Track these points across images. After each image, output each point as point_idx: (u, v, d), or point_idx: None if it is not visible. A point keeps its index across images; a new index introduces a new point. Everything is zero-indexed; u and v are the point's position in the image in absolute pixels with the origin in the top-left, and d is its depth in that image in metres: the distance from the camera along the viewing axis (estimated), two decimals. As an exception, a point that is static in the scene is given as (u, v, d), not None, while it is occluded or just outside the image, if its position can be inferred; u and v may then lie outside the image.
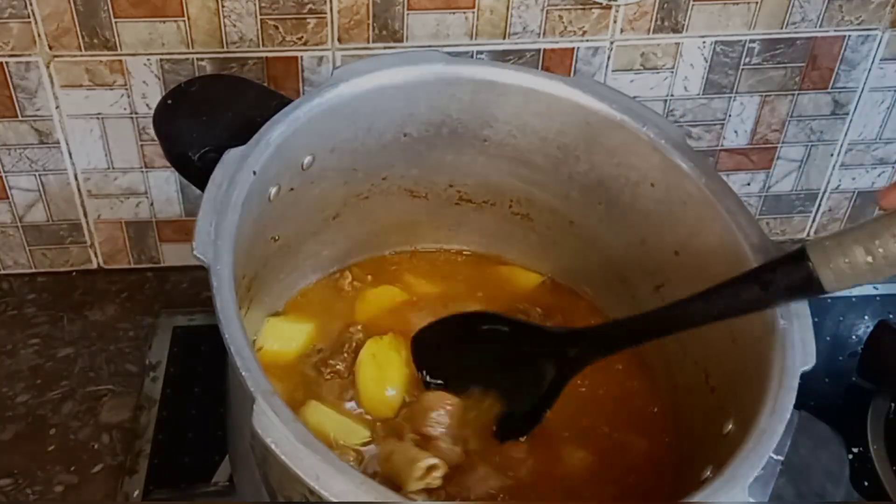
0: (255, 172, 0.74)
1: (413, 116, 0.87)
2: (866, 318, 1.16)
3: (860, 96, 1.12)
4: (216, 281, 0.66)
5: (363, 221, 0.95)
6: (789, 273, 0.67)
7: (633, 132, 0.85)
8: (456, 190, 0.97)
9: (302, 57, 1.02)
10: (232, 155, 0.74)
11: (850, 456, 0.99)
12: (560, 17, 1.02)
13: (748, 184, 1.17)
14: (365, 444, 0.83)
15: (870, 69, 1.10)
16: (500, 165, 0.94)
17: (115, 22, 0.97)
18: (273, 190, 0.78)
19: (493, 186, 0.96)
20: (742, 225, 0.78)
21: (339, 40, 1.01)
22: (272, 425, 0.59)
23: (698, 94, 1.09)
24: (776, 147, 1.15)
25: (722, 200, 0.80)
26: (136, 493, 0.93)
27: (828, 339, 1.13)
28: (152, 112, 0.98)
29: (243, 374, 0.61)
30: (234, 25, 0.99)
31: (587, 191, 0.91)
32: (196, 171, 0.78)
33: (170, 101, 0.84)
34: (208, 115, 0.82)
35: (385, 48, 1.02)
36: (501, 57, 1.03)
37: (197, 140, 0.79)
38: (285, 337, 0.91)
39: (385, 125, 0.87)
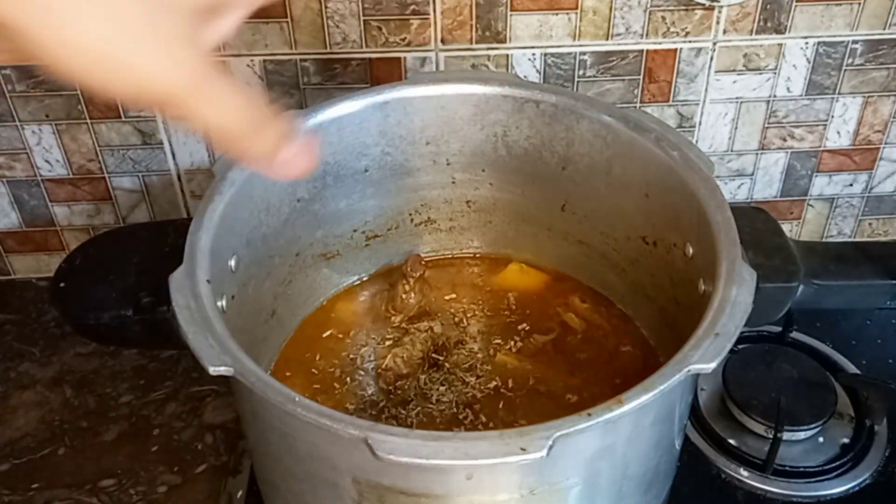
0: (209, 281, 0.72)
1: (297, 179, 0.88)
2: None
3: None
4: (251, 381, 0.64)
5: (295, 312, 0.96)
6: None
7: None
8: (361, 232, 0.99)
9: (405, 58, 1.01)
10: (177, 276, 0.71)
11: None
12: (663, 17, 1.01)
13: (850, 185, 1.16)
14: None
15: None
16: (387, 187, 0.96)
17: (219, 23, 0.98)
18: (222, 303, 0.75)
19: (390, 210, 0.99)
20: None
21: (443, 41, 1.01)
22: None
23: (801, 95, 1.08)
24: (879, 148, 1.13)
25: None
26: (240, 493, 0.93)
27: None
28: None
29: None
30: (338, 26, 0.99)
31: (468, 168, 0.97)
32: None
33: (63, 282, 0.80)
34: (111, 274, 0.79)
35: (488, 49, 1.01)
36: (604, 58, 1.03)
37: (108, 298, 0.77)
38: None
39: (278, 198, 0.87)
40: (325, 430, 0.61)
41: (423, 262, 0.99)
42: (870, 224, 1.21)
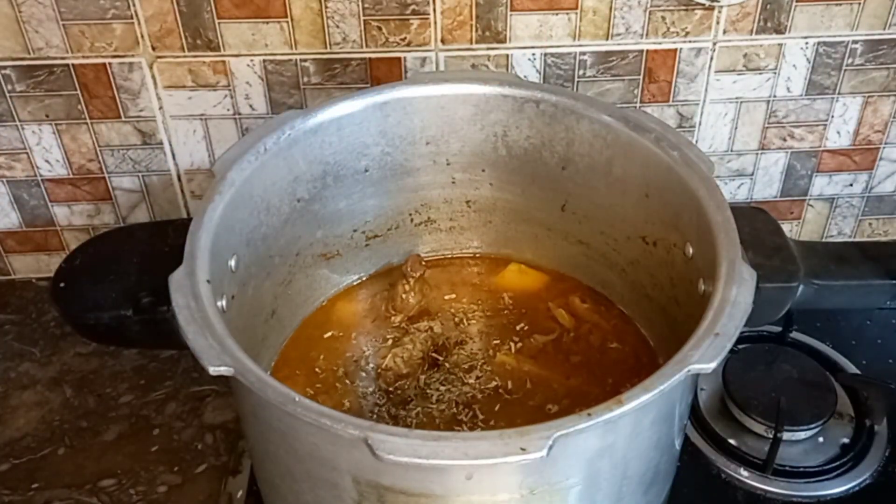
0: (209, 281, 0.72)
1: (298, 178, 0.89)
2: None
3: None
4: (251, 381, 0.64)
5: (295, 312, 0.96)
6: None
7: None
8: (361, 232, 0.99)
9: (405, 58, 1.01)
10: (177, 276, 0.71)
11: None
12: (663, 17, 1.01)
13: (850, 185, 1.16)
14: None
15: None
16: (387, 187, 0.96)
17: (219, 23, 0.98)
18: (222, 303, 0.75)
19: (390, 210, 0.99)
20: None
21: (443, 41, 1.01)
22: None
23: (801, 95, 1.08)
24: (879, 148, 1.13)
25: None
26: (240, 493, 0.93)
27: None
28: (253, 115, 0.99)
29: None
30: (338, 26, 0.99)
31: (468, 168, 0.97)
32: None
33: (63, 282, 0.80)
34: (111, 274, 0.79)
35: (488, 49, 1.01)
36: (604, 58, 1.03)
37: (108, 298, 0.77)
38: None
39: (279, 198, 0.87)
40: (325, 430, 0.62)
41: (423, 262, 0.99)
42: (870, 224, 1.21)
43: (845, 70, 1.06)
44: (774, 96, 1.07)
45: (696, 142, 1.10)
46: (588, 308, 0.98)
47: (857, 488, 0.93)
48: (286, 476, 0.73)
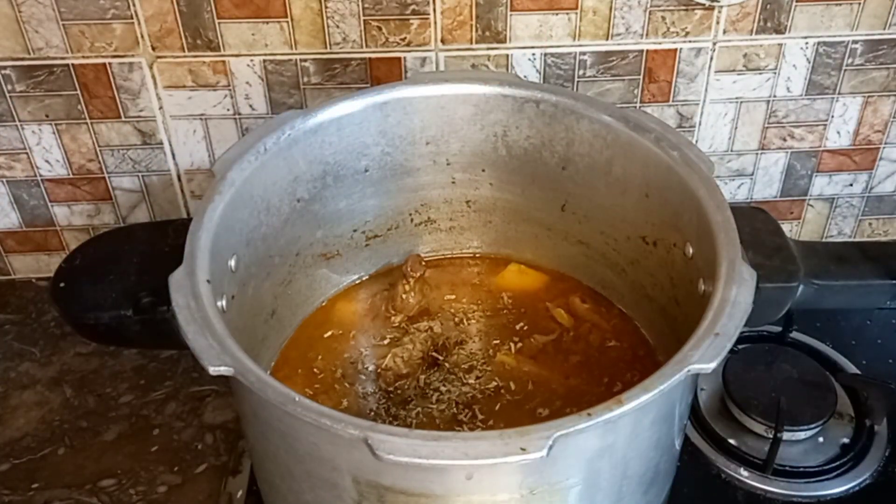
0: (209, 281, 0.72)
1: (298, 178, 0.89)
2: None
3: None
4: (251, 381, 0.64)
5: (295, 312, 0.96)
6: None
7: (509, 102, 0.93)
8: (361, 232, 0.99)
9: (405, 58, 1.01)
10: (177, 276, 0.71)
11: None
12: (663, 17, 1.01)
13: (850, 185, 1.16)
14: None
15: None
16: (387, 187, 0.96)
17: (219, 23, 0.98)
18: (222, 303, 0.75)
19: (390, 210, 0.99)
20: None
21: (443, 41, 1.01)
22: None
23: (801, 95, 1.08)
24: (879, 148, 1.13)
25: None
26: (240, 493, 0.93)
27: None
28: (253, 115, 0.99)
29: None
30: (338, 26, 0.99)
31: (468, 168, 0.97)
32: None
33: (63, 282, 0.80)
34: (111, 274, 0.79)
35: (488, 49, 1.01)
36: (604, 58, 1.03)
37: (108, 298, 0.77)
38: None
39: (279, 197, 0.87)
40: (325, 430, 0.62)
41: (423, 262, 0.99)
42: (870, 224, 1.21)
43: (845, 70, 1.06)
44: (774, 96, 1.08)
45: (696, 142, 1.10)
46: (588, 308, 0.98)
47: (857, 488, 0.93)
48: (286, 476, 0.73)
